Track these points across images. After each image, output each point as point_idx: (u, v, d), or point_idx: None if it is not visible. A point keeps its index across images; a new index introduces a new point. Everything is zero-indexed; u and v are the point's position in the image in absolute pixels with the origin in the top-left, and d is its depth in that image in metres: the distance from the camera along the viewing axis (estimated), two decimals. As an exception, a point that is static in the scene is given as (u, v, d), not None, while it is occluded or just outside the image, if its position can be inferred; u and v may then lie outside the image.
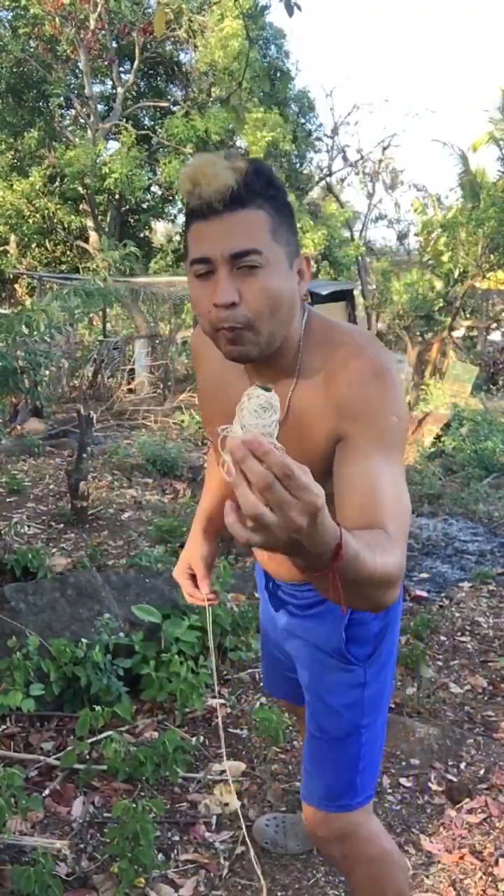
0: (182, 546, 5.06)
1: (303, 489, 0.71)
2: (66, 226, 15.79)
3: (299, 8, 2.38)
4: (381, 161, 18.44)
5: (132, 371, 12.14)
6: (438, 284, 14.02)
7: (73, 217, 15.58)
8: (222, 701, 2.78)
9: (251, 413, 0.80)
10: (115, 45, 15.03)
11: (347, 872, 1.52)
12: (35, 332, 3.73)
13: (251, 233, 1.07)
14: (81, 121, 15.42)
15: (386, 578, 0.94)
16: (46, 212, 15.23)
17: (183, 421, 9.19)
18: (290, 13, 2.40)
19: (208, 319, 1.10)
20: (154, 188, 16.82)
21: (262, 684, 1.70)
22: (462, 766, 2.49)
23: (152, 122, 16.52)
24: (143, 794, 2.22)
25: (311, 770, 1.47)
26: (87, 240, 15.44)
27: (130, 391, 11.37)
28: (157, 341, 12.40)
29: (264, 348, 1.13)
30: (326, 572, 0.84)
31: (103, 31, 14.33)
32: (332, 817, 1.44)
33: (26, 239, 15.41)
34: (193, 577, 1.58)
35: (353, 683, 1.39)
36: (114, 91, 15.72)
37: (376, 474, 1.08)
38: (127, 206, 16.19)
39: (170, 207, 18.21)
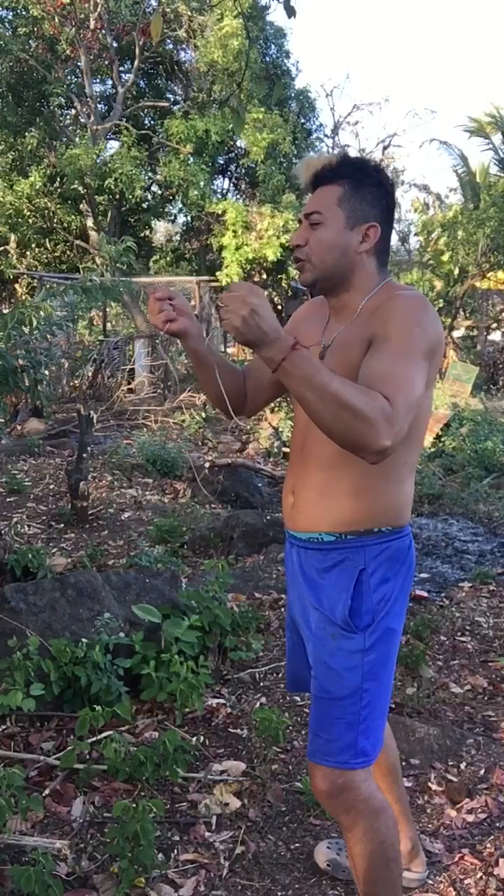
0: (182, 546, 5.04)
1: (241, 298, 1.29)
2: (66, 226, 15.77)
3: (294, 14, 2.40)
4: (381, 161, 18.43)
5: (132, 371, 12.14)
6: (438, 284, 14.03)
7: (73, 217, 15.56)
8: (222, 701, 2.78)
9: None
10: (115, 44, 14.99)
11: (350, 826, 1.60)
12: (35, 331, 3.71)
13: (321, 201, 1.55)
14: (82, 120, 15.39)
15: (360, 411, 1.28)
16: (46, 212, 15.21)
17: (183, 421, 9.19)
18: (290, 15, 2.41)
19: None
20: (154, 188, 16.79)
21: (285, 685, 1.89)
22: (462, 766, 2.49)
23: (152, 122, 16.50)
24: (143, 794, 2.22)
25: (315, 729, 1.60)
26: (87, 240, 15.43)
27: (130, 391, 11.37)
28: (157, 341, 12.39)
29: (320, 278, 1.57)
30: (286, 364, 1.29)
31: (103, 31, 14.31)
32: (336, 772, 1.56)
33: (26, 239, 15.38)
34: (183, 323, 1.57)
35: (353, 649, 1.55)
36: (114, 91, 15.68)
37: (389, 365, 1.39)
38: (127, 206, 16.15)
39: (170, 207, 18.20)
